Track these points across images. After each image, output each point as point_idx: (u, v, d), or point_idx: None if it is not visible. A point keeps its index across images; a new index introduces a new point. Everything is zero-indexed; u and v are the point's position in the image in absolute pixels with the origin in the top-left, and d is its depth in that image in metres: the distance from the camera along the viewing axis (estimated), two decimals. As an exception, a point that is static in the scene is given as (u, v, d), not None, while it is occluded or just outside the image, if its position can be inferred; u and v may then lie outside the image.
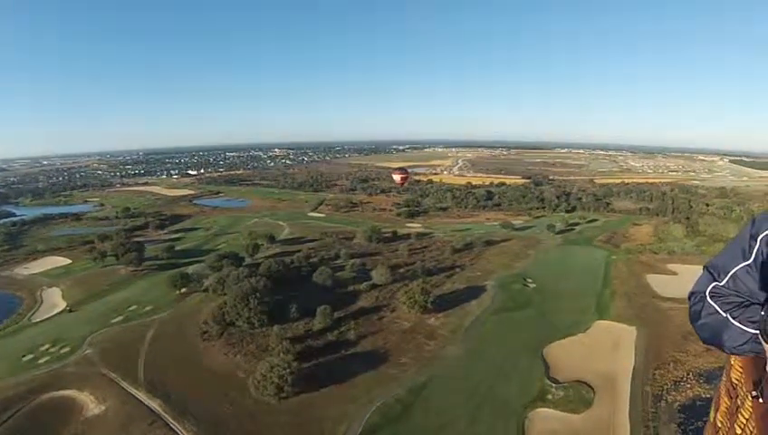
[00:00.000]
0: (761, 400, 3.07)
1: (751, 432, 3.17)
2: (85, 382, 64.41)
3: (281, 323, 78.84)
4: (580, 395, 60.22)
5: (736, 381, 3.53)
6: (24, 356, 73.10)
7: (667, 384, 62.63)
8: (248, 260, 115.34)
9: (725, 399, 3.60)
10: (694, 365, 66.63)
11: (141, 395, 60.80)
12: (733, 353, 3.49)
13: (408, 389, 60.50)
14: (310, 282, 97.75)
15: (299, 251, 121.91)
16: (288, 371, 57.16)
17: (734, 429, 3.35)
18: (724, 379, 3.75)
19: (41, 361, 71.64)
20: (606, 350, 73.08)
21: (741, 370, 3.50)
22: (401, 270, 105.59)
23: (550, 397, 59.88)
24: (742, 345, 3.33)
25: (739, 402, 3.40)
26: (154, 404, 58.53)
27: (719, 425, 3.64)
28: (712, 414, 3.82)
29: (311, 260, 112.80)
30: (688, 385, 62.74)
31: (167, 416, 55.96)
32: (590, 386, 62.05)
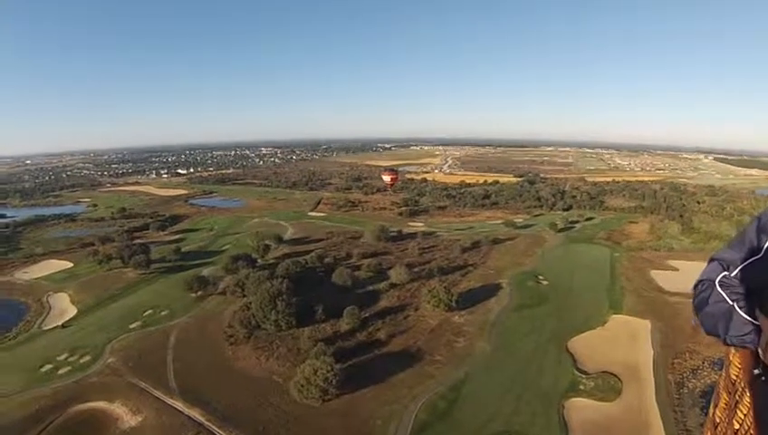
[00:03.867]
0: (764, 378, 3.08)
1: (749, 427, 3.17)
2: (114, 393, 62.43)
3: (307, 324, 78.70)
4: (609, 384, 62.96)
5: (735, 377, 3.53)
6: (41, 367, 70.32)
7: (686, 372, 65.90)
8: (260, 261, 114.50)
9: (724, 394, 3.62)
10: (707, 354, 69.93)
11: (178, 404, 59.55)
12: (733, 344, 3.52)
13: (449, 385, 61.57)
14: (328, 282, 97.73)
15: (308, 251, 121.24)
16: (332, 373, 57.41)
17: (733, 424, 3.37)
18: (722, 374, 3.78)
19: (61, 371, 69.19)
20: (625, 342, 75.98)
21: (740, 366, 3.51)
22: (416, 269, 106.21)
23: (582, 387, 62.39)
24: (744, 335, 3.38)
25: (737, 398, 3.40)
26: (194, 413, 57.41)
27: (717, 420, 3.65)
28: (711, 410, 3.83)
29: (325, 260, 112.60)
30: (705, 372, 66.22)
31: (210, 425, 54.94)
32: (616, 376, 64.87)
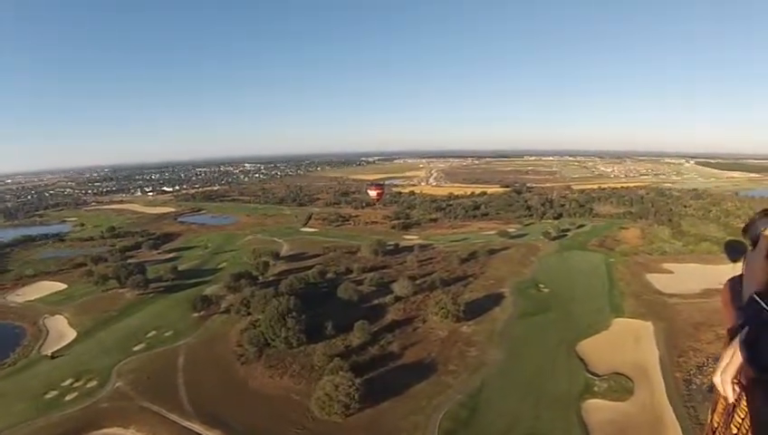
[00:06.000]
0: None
1: (746, 431, 3.04)
2: (127, 418, 60.87)
3: (318, 340, 78.51)
4: (620, 385, 65.09)
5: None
6: (45, 394, 67.99)
7: (692, 369, 68.46)
8: (261, 278, 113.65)
9: (722, 399, 3.47)
10: (710, 352, 72.49)
11: (196, 427, 58.44)
12: None
13: (467, 394, 62.45)
14: (334, 297, 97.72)
15: (308, 267, 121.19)
16: (353, 387, 57.51)
17: (731, 429, 3.25)
18: None
19: (67, 398, 66.87)
20: (631, 343, 78.37)
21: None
22: (417, 281, 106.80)
23: (596, 389, 64.34)
24: None
25: (735, 402, 3.24)
26: (215, 435, 56.80)
27: (715, 425, 3.54)
28: (709, 415, 3.70)
29: (327, 276, 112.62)
30: (710, 369, 68.65)
31: (234, 445, 54.56)
32: (627, 376, 67.09)
